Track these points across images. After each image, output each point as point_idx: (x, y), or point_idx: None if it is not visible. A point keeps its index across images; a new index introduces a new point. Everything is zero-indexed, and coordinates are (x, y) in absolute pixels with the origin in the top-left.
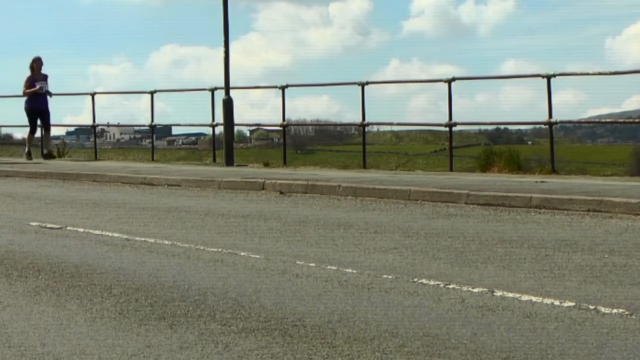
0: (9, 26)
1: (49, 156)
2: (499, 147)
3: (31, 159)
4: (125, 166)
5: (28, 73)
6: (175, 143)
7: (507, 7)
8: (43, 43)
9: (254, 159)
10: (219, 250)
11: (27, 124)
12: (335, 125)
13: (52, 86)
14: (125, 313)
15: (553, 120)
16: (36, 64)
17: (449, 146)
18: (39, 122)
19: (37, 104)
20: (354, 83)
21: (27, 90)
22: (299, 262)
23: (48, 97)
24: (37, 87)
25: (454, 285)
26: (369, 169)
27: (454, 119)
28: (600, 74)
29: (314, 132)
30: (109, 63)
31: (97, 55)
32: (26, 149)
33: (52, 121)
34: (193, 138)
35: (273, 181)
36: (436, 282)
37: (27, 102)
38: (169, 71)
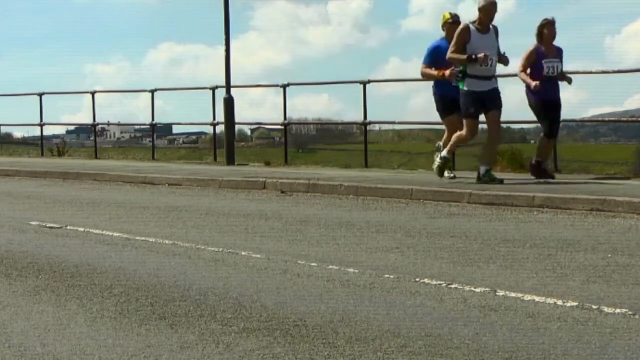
0: (5, 25)
1: (542, 174)
2: (501, 146)
3: (550, 176)
4: (125, 165)
5: (532, 44)
6: (175, 142)
7: (507, 6)
8: (39, 42)
9: (255, 158)
10: (220, 249)
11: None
12: (337, 124)
13: (49, 85)
14: (126, 313)
15: None
16: (548, 29)
17: None
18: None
19: (548, 94)
20: (356, 82)
21: (523, 75)
22: (300, 262)
23: (566, 83)
24: (545, 69)
25: (456, 285)
26: (371, 168)
27: None
28: (603, 72)
29: (315, 131)
30: (105, 61)
31: (93, 53)
32: (533, 160)
33: (51, 120)
34: (194, 137)
35: (274, 180)
36: (438, 282)
37: (528, 88)
38: (167, 69)
